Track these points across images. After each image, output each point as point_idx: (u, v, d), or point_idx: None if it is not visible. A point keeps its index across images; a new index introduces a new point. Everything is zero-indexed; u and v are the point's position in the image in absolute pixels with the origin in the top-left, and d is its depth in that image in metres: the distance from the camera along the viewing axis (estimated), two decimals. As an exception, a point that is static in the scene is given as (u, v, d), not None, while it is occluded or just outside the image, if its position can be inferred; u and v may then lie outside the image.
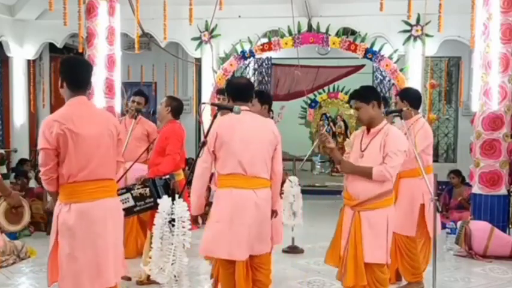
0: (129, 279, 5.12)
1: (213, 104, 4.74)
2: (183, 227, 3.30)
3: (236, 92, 3.89)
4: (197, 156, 3.90)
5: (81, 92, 3.30)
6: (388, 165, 3.77)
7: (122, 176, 5.00)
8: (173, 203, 3.30)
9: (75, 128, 3.17)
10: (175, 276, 3.35)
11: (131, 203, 4.68)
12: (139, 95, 6.02)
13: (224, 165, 3.77)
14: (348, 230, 3.90)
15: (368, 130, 3.96)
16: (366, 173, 3.81)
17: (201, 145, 3.68)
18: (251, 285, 3.85)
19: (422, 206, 4.87)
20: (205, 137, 3.83)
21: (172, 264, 3.29)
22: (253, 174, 3.74)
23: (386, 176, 3.77)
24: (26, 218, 6.36)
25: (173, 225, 3.28)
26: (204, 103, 5.07)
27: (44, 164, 3.24)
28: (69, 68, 3.33)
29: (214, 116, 3.83)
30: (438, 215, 4.91)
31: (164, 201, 3.34)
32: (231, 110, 3.79)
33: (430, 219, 4.86)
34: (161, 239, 3.31)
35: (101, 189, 3.28)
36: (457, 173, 8.26)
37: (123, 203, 4.61)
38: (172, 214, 3.29)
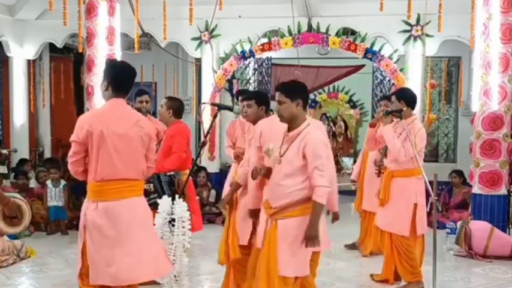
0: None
1: (213, 104, 4.76)
2: (183, 227, 3.31)
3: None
4: (197, 156, 3.91)
5: (121, 95, 3.47)
6: (320, 180, 3.41)
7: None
8: (173, 203, 3.30)
9: (104, 128, 3.30)
10: (175, 276, 3.35)
11: None
12: (145, 94, 6.01)
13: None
14: (262, 238, 3.63)
15: (289, 130, 3.64)
16: (320, 211, 3.47)
17: (200, 145, 3.70)
18: None
19: (416, 205, 4.88)
20: (205, 136, 3.85)
21: (172, 264, 3.30)
22: None
23: (326, 193, 3.42)
24: (27, 220, 6.36)
25: (173, 225, 3.28)
26: (204, 103, 5.08)
27: (72, 155, 3.38)
28: (116, 73, 3.47)
29: (215, 116, 3.85)
30: (425, 214, 4.94)
31: (164, 202, 3.35)
32: (230, 109, 3.82)
33: (420, 218, 4.91)
34: (161, 239, 3.31)
35: (127, 188, 3.38)
36: (458, 173, 8.27)
37: None
38: (172, 214, 3.29)
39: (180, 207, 3.33)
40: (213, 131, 9.31)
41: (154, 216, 5.10)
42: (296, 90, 3.63)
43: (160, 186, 4.70)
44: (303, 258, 3.53)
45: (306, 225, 3.42)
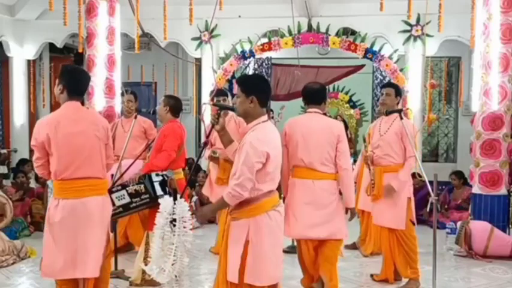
0: (127, 279, 5.12)
1: (214, 104, 4.76)
2: (184, 227, 3.30)
3: (309, 96, 4.45)
4: (199, 156, 3.91)
5: (76, 98, 3.65)
6: (232, 182, 3.24)
7: (122, 175, 5.00)
8: (175, 203, 3.29)
9: (60, 130, 3.50)
10: (176, 277, 3.35)
11: (127, 199, 4.68)
12: (128, 94, 6.09)
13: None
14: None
15: None
16: (223, 204, 3.35)
17: (202, 145, 3.71)
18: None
19: (409, 199, 4.93)
20: (207, 137, 3.86)
21: (173, 264, 3.29)
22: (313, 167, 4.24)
23: (235, 198, 3.23)
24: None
25: (174, 225, 3.27)
26: (204, 103, 5.09)
27: (36, 160, 3.62)
28: (70, 77, 3.65)
29: (219, 116, 3.84)
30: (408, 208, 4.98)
31: (166, 201, 3.34)
32: (232, 109, 3.81)
33: (412, 210, 4.99)
34: (162, 238, 3.31)
35: (87, 187, 3.56)
36: (458, 174, 8.25)
37: (118, 200, 4.64)
38: (173, 214, 3.28)
39: (182, 207, 3.32)
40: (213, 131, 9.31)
41: (153, 217, 5.11)
42: (250, 85, 3.38)
43: (151, 186, 4.69)
44: (236, 263, 3.31)
45: (250, 227, 3.27)
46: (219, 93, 6.41)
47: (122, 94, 6.61)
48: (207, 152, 5.74)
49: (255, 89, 3.36)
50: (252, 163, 3.20)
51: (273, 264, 3.36)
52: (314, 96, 4.45)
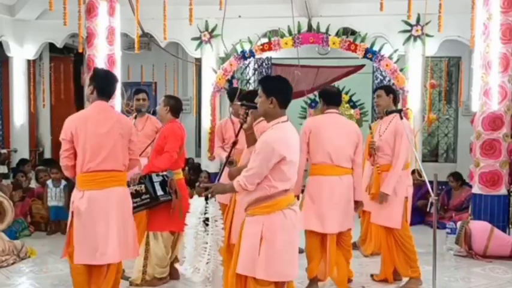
0: (127, 279, 5.13)
1: (242, 104, 4.79)
2: (217, 226, 3.33)
3: (330, 98, 4.87)
4: (228, 155, 3.91)
5: (104, 99, 4.04)
6: (242, 173, 3.34)
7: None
8: (207, 203, 3.33)
9: (87, 127, 3.88)
10: (209, 276, 3.37)
11: None
12: (141, 92, 6.04)
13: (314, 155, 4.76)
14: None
15: None
16: (231, 189, 3.47)
17: (231, 145, 3.82)
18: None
19: (406, 199, 4.98)
20: (236, 136, 3.91)
21: (207, 263, 3.32)
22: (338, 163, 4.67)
23: (241, 187, 3.32)
24: (9, 217, 6.42)
25: (207, 225, 3.30)
26: (235, 103, 5.10)
27: (63, 152, 3.95)
28: (101, 80, 4.07)
29: (246, 115, 3.85)
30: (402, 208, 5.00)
31: (197, 201, 3.37)
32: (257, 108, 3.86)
33: (409, 210, 5.07)
34: (195, 238, 3.33)
35: (109, 179, 3.91)
36: (456, 176, 8.23)
37: None
38: (205, 213, 3.31)
39: (214, 206, 3.35)
40: (213, 131, 9.31)
41: (152, 217, 5.11)
42: (272, 87, 3.44)
43: (152, 186, 4.69)
44: (255, 259, 3.36)
45: (264, 224, 3.33)
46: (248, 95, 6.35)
47: (122, 94, 6.61)
48: (222, 151, 5.57)
49: (276, 91, 3.43)
50: (264, 160, 3.25)
51: (286, 262, 3.39)
52: (334, 98, 4.93)
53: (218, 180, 3.67)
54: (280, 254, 3.35)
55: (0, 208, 6.55)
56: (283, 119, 3.43)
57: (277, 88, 3.46)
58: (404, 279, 5.10)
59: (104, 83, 4.07)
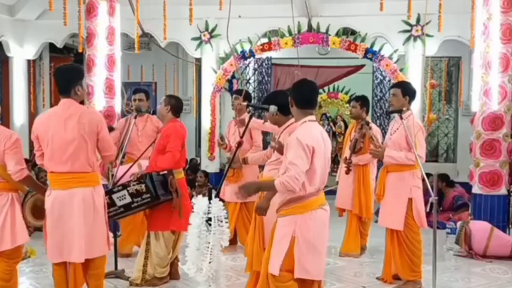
0: (127, 278, 5.12)
1: (249, 105, 4.79)
2: (221, 226, 3.34)
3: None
4: (233, 156, 3.95)
5: (64, 96, 3.90)
6: (285, 174, 3.34)
7: (120, 178, 4.99)
8: (210, 203, 3.34)
9: (48, 128, 3.84)
10: (212, 275, 3.38)
11: (128, 199, 4.69)
12: (140, 92, 6.05)
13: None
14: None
15: None
16: (271, 187, 3.45)
17: (236, 146, 3.85)
18: None
19: (411, 200, 4.86)
20: (241, 137, 3.93)
21: (210, 262, 3.33)
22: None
23: (285, 187, 3.30)
24: None
25: (210, 225, 3.31)
26: (249, 105, 5.12)
27: (35, 150, 4.00)
28: (58, 76, 3.98)
29: (250, 117, 3.86)
30: (422, 208, 4.91)
31: (200, 201, 3.38)
32: (267, 110, 3.89)
33: (418, 212, 4.86)
34: (198, 237, 3.34)
35: (74, 179, 3.87)
36: (440, 177, 8.07)
37: (119, 200, 4.65)
38: (209, 213, 3.32)
39: (217, 206, 3.36)
40: (213, 131, 9.32)
41: (152, 217, 5.10)
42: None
43: (153, 186, 4.68)
44: (280, 258, 3.42)
45: (297, 224, 3.39)
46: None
47: (122, 95, 6.61)
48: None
49: (292, 93, 3.57)
50: (301, 156, 3.29)
51: (318, 261, 3.47)
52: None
53: (222, 181, 3.69)
54: (312, 254, 3.41)
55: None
56: (310, 117, 3.51)
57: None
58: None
59: (59, 79, 3.94)
